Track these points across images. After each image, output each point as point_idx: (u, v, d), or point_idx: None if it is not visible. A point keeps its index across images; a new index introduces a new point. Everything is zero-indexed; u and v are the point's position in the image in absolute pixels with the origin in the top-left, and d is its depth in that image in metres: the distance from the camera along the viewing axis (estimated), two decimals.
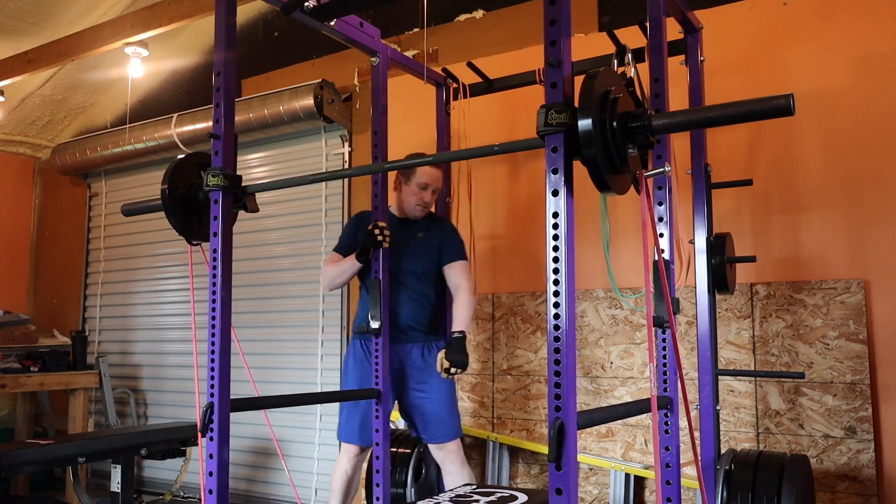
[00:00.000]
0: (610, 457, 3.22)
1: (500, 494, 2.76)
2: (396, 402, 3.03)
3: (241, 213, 2.33)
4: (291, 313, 4.46)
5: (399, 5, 4.15)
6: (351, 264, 2.83)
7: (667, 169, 1.76)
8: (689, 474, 2.94)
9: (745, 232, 3.05)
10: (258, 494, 4.46)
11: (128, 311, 5.34)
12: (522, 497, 2.77)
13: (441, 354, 2.81)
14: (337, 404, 4.15)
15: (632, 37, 2.71)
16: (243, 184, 2.29)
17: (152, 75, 5.13)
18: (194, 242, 2.40)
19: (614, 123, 1.59)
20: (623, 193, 1.69)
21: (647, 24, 2.38)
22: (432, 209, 3.10)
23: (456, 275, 2.97)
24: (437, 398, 2.93)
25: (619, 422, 3.18)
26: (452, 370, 2.74)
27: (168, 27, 3.83)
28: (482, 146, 1.97)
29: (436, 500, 2.48)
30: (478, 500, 2.62)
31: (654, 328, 2.23)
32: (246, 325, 4.46)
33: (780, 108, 1.46)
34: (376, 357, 2.73)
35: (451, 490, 2.79)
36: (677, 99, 2.61)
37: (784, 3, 3.08)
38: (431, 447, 2.96)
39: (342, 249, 2.95)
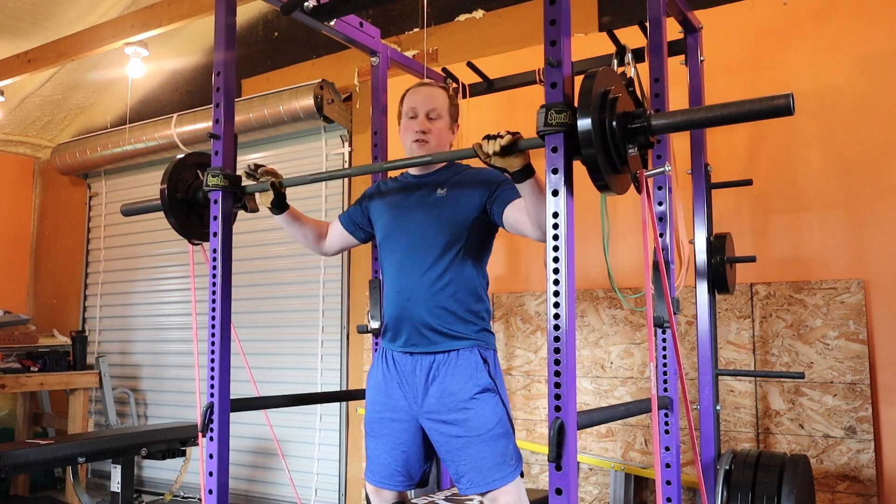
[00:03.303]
0: (610, 457, 3.22)
1: None
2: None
3: (241, 213, 2.33)
4: (291, 313, 4.46)
5: (399, 5, 4.15)
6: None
7: (667, 168, 1.76)
8: (690, 474, 2.94)
9: (745, 232, 3.05)
10: (258, 494, 4.46)
11: (128, 311, 5.34)
12: None
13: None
14: (337, 404, 4.16)
15: (632, 37, 2.71)
16: (243, 183, 2.29)
17: (152, 75, 5.13)
18: (195, 242, 2.40)
19: (614, 123, 1.59)
20: (623, 193, 1.68)
21: (647, 24, 2.38)
22: (445, 146, 2.16)
23: (524, 218, 1.91)
24: (473, 426, 1.96)
25: (619, 422, 3.18)
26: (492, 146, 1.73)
27: (168, 27, 3.83)
28: (469, 149, 1.93)
29: (431, 499, 2.48)
30: (473, 500, 2.62)
31: (654, 328, 2.23)
32: (246, 325, 4.46)
33: (780, 107, 1.46)
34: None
35: (449, 489, 2.79)
36: (677, 99, 2.61)
37: (784, 3, 3.08)
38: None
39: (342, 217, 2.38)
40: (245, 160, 4.59)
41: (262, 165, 2.26)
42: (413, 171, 2.19)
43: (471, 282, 2.07)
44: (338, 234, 2.36)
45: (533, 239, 1.93)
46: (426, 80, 2.20)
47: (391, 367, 2.11)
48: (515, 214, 1.96)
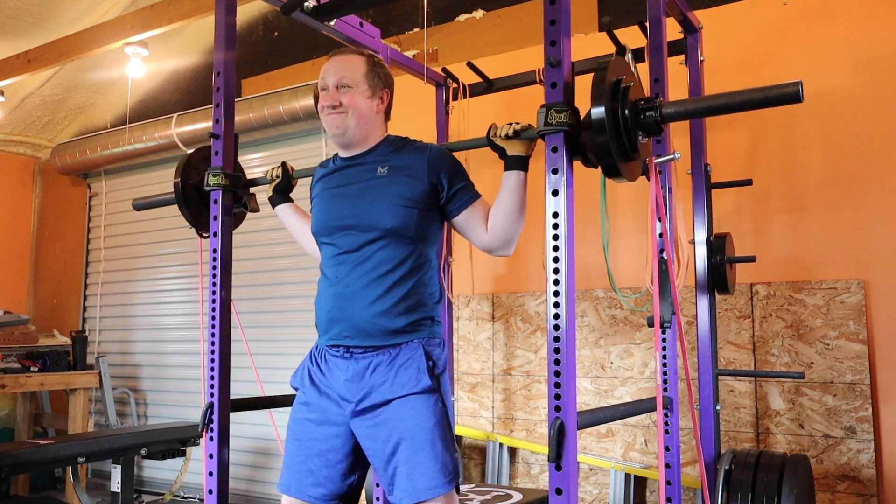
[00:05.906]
0: (610, 457, 3.22)
1: (495, 493, 2.77)
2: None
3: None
4: (291, 313, 4.46)
5: (399, 5, 4.15)
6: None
7: (677, 155, 1.77)
8: (688, 474, 2.94)
9: (745, 232, 3.05)
10: (258, 494, 4.46)
11: (128, 311, 5.34)
12: (517, 496, 2.78)
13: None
14: None
15: (632, 37, 2.71)
16: (250, 177, 2.29)
17: (152, 75, 5.13)
18: (205, 235, 2.40)
19: (626, 111, 1.61)
20: (634, 180, 1.70)
21: (647, 24, 2.38)
22: (380, 130, 1.96)
23: (476, 222, 1.87)
24: (402, 427, 1.74)
25: (619, 422, 3.18)
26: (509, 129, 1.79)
27: (168, 27, 3.83)
28: (480, 138, 1.88)
29: None
30: (472, 499, 2.63)
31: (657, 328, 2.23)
32: (246, 325, 4.42)
33: (789, 94, 1.47)
34: None
35: None
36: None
37: (784, 3, 3.08)
38: None
39: None
40: (245, 160, 4.60)
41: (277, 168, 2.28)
42: (342, 153, 1.99)
43: (419, 268, 1.85)
44: None
45: (478, 246, 1.87)
46: (343, 49, 1.94)
47: (322, 364, 1.90)
48: (470, 220, 1.86)
